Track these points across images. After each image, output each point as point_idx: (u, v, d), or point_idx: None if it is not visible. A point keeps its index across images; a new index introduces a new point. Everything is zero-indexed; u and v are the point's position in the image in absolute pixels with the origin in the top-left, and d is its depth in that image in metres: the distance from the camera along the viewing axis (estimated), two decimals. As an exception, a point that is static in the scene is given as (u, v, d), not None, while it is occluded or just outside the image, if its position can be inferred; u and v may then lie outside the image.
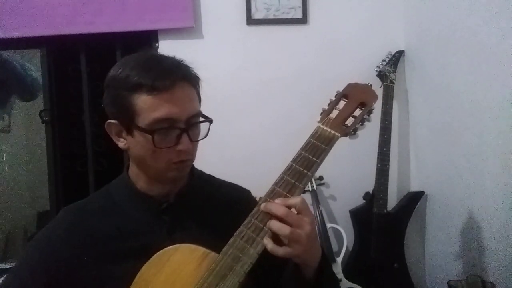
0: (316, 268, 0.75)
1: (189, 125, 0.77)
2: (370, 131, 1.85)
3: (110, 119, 0.81)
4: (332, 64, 1.93)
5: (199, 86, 0.83)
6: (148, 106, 0.75)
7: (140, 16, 1.87)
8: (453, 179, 1.61)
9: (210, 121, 0.83)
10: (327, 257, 0.83)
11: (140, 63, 0.78)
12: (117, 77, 0.78)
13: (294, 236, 0.68)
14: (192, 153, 0.81)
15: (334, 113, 0.81)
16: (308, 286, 0.76)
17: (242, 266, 0.69)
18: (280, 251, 0.68)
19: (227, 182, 0.99)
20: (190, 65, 0.82)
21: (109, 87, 0.80)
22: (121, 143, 0.83)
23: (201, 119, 0.82)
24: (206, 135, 0.83)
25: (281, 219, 0.69)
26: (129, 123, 0.78)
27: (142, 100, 0.75)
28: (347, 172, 1.96)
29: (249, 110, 1.95)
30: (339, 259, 1.80)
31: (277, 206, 0.70)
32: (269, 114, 1.95)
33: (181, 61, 0.82)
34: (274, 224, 0.69)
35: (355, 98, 0.82)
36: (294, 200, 0.71)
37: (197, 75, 0.83)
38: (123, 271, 0.74)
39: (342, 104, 0.82)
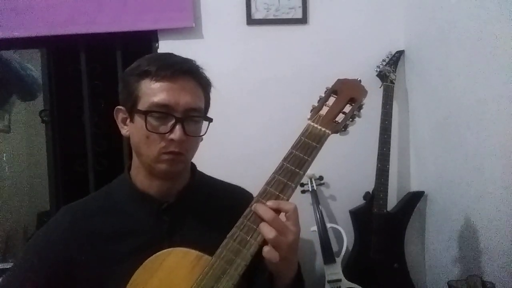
0: (289, 285, 0.76)
1: (185, 117, 0.79)
2: (370, 131, 1.85)
3: (118, 105, 0.86)
4: (332, 64, 1.92)
5: (207, 88, 0.86)
6: (149, 91, 0.79)
7: (140, 16, 1.87)
8: (453, 179, 1.61)
9: (209, 120, 0.85)
10: (302, 277, 0.83)
11: (153, 56, 0.86)
12: (132, 66, 0.84)
13: (276, 241, 0.68)
14: (185, 147, 0.80)
15: (324, 109, 0.80)
16: None
17: (236, 269, 0.68)
18: (265, 250, 0.69)
19: (229, 184, 0.99)
20: (201, 68, 0.86)
21: (123, 75, 0.84)
22: (124, 130, 0.86)
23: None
24: (205, 133, 0.85)
25: (270, 224, 0.69)
26: (131, 108, 0.81)
27: (146, 85, 0.79)
28: (347, 172, 1.96)
29: (249, 110, 1.95)
30: (339, 259, 1.80)
31: (265, 209, 0.70)
32: (269, 114, 1.95)
33: (194, 61, 0.85)
34: (262, 225, 0.70)
35: (345, 94, 0.81)
36: (287, 206, 0.72)
37: (207, 78, 0.86)
38: (122, 271, 0.74)
39: (331, 100, 0.81)
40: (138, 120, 0.80)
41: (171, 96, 0.77)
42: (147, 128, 0.77)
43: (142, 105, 0.79)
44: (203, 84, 0.84)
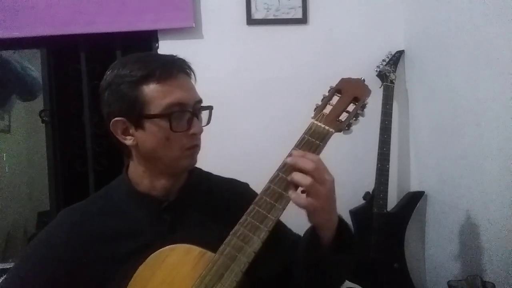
0: (334, 233, 0.76)
1: (195, 110, 0.81)
2: (370, 131, 1.85)
3: (113, 118, 0.81)
4: (332, 64, 1.92)
5: (194, 80, 0.88)
6: (159, 94, 0.78)
7: (140, 16, 1.87)
8: (453, 179, 1.61)
9: (210, 107, 0.88)
10: (347, 223, 0.82)
11: (140, 58, 0.82)
12: (120, 74, 0.80)
13: (315, 188, 0.69)
14: (200, 139, 0.84)
15: (328, 108, 0.80)
16: (324, 249, 0.76)
17: (239, 265, 0.69)
18: (302, 200, 0.70)
19: (225, 177, 1.00)
20: (186, 59, 0.86)
21: (111, 86, 0.80)
22: (129, 141, 0.82)
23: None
24: (209, 121, 0.88)
25: (306, 173, 0.70)
26: (138, 116, 0.79)
27: (152, 89, 0.78)
28: (347, 172, 1.95)
29: (249, 109, 1.95)
30: (339, 259, 1.80)
31: (306, 161, 0.71)
32: (269, 114, 1.95)
33: (177, 56, 0.86)
34: (296, 175, 0.71)
35: (349, 93, 0.81)
36: (315, 157, 0.73)
37: (193, 69, 0.88)
38: (124, 271, 0.74)
39: (335, 99, 0.81)
40: (150, 126, 0.79)
41: (182, 94, 0.79)
42: (172, 130, 0.77)
43: (155, 109, 0.77)
44: (193, 76, 0.87)
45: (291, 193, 0.71)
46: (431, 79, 1.76)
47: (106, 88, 0.81)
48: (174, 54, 0.85)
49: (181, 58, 0.85)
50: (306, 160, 0.71)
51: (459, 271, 1.57)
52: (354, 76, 0.85)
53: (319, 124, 0.78)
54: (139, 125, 0.80)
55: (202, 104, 0.86)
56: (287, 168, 0.73)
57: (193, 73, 0.86)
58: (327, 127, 0.77)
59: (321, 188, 0.70)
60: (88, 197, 0.92)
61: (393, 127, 1.86)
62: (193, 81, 0.85)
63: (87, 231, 0.82)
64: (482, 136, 1.41)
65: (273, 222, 0.71)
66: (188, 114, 0.80)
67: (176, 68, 0.80)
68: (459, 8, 1.52)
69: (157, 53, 0.88)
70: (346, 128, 0.80)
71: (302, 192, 0.72)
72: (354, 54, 1.96)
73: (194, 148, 0.83)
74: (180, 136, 0.79)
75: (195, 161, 0.86)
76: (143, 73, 0.78)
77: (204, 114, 0.88)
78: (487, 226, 1.40)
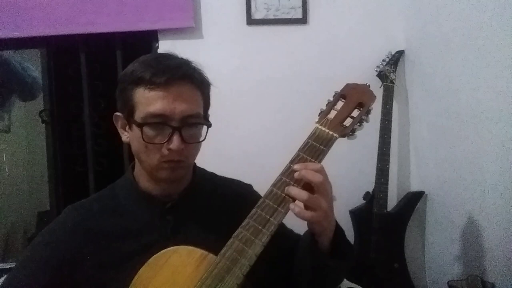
0: (331, 238, 0.77)
1: (183, 125, 0.77)
2: (370, 131, 1.85)
3: (116, 111, 0.85)
4: (332, 64, 1.92)
5: (205, 90, 0.84)
6: (144, 100, 0.77)
7: (140, 16, 1.87)
8: (453, 179, 1.61)
9: (207, 125, 0.83)
10: (341, 227, 0.83)
11: (147, 59, 0.80)
12: (126, 71, 0.81)
13: (316, 200, 0.70)
14: (185, 155, 0.79)
15: (332, 113, 0.80)
16: (324, 255, 0.77)
17: (241, 268, 0.69)
18: (307, 214, 0.70)
19: (228, 178, 0.99)
20: (199, 68, 0.83)
21: (119, 81, 0.82)
22: (124, 137, 0.85)
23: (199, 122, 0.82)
24: (204, 138, 0.83)
25: (311, 184, 0.71)
26: (128, 116, 0.80)
27: (140, 94, 0.77)
28: (347, 172, 1.96)
29: (249, 110, 1.95)
30: (339, 259, 1.80)
31: (314, 174, 0.72)
32: (269, 114, 1.95)
33: (190, 62, 0.82)
34: (293, 190, 0.71)
35: (353, 98, 0.81)
36: (317, 166, 0.73)
37: (206, 78, 0.84)
38: (126, 271, 0.74)
39: (340, 104, 0.82)
40: (135, 129, 0.79)
41: (166, 105, 0.75)
42: (144, 140, 0.76)
43: (138, 115, 0.77)
44: (201, 86, 0.82)
45: (294, 207, 0.70)
46: (431, 79, 1.76)
47: (118, 82, 0.84)
48: (190, 61, 0.82)
49: (190, 66, 0.81)
50: (315, 174, 0.71)
51: (459, 271, 1.57)
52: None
53: (323, 129, 0.78)
54: (130, 126, 0.81)
55: (205, 118, 0.83)
56: (290, 173, 0.73)
57: (202, 82, 0.82)
58: (331, 132, 0.77)
59: (323, 199, 0.71)
60: (94, 194, 0.92)
61: (393, 127, 1.86)
62: (198, 91, 0.80)
63: (91, 229, 0.82)
64: (482, 136, 1.41)
65: (275, 226, 0.71)
66: (168, 128, 0.76)
67: (170, 76, 0.75)
68: (459, 8, 1.52)
69: (170, 56, 0.80)
70: (350, 133, 0.80)
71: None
72: (354, 54, 1.96)
73: (172, 162, 0.78)
74: (158, 147, 0.77)
75: (176, 174, 0.81)
76: (137, 76, 0.77)
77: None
78: (487, 226, 1.40)
